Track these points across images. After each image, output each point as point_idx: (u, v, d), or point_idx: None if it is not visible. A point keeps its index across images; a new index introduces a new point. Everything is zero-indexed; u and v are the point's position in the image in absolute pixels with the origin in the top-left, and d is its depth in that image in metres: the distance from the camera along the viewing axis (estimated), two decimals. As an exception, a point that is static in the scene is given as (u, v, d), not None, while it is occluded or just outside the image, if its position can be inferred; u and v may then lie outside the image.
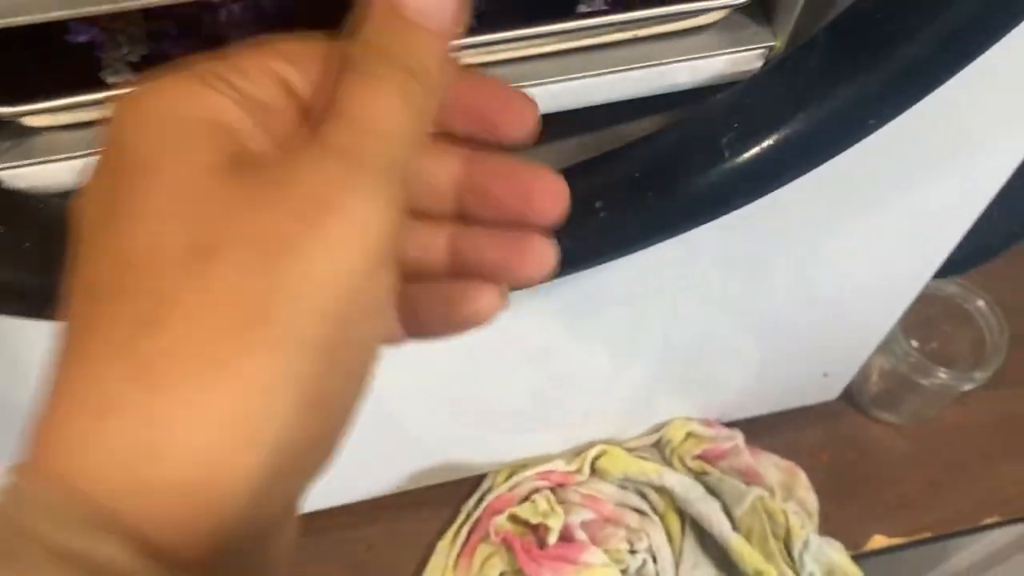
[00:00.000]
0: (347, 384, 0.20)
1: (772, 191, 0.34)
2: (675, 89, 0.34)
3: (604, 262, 0.36)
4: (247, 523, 0.18)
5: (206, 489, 0.17)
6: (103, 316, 0.17)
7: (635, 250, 0.35)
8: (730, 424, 0.66)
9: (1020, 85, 0.40)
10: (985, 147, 0.43)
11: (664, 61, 0.33)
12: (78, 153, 0.31)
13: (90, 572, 0.16)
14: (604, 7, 0.33)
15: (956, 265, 0.59)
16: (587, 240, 0.34)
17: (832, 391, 0.68)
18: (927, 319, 0.67)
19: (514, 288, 0.25)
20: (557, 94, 0.33)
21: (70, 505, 0.16)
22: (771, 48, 0.34)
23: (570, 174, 0.35)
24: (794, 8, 0.33)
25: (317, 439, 0.19)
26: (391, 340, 0.25)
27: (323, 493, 0.63)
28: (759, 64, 0.35)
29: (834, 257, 0.50)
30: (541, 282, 0.24)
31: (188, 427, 0.17)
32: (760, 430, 0.66)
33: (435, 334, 0.25)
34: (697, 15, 0.33)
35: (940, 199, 0.46)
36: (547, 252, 0.24)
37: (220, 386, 0.17)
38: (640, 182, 0.34)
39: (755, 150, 0.32)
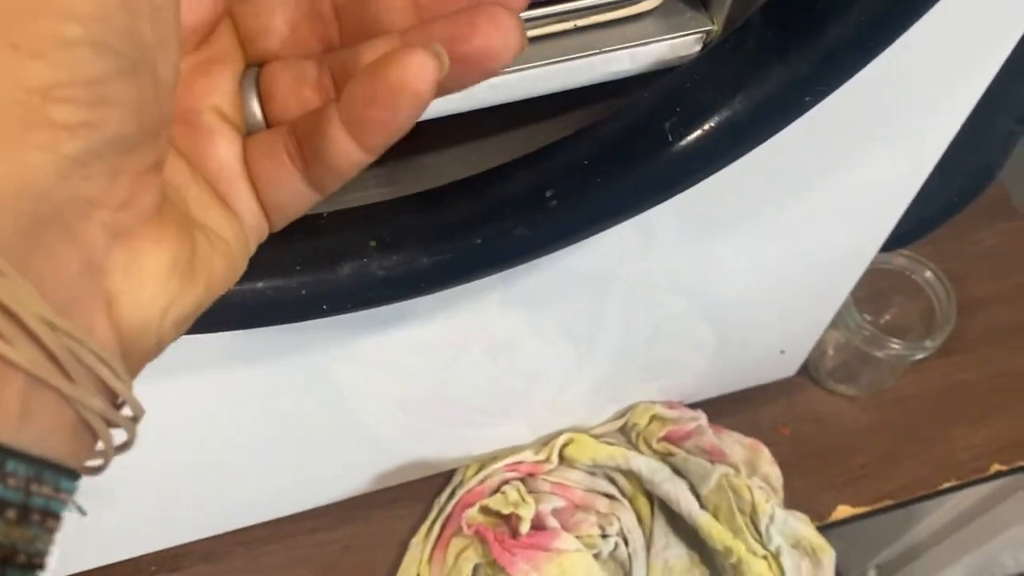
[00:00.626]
0: None
1: (717, 171, 0.35)
2: (618, 76, 0.35)
3: (558, 249, 0.36)
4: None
5: None
6: None
7: (588, 236, 0.36)
8: (693, 405, 0.67)
9: (949, 59, 0.41)
10: (920, 121, 0.45)
11: (605, 49, 0.34)
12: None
13: None
14: (544, -1, 0.33)
15: (902, 238, 0.61)
16: (540, 228, 0.35)
17: (790, 367, 0.69)
18: (878, 292, 0.69)
19: (472, 76, 0.22)
20: (502, 86, 0.34)
21: None
22: (709, 32, 0.35)
23: (520, 164, 0.36)
24: (728, -8, 0.34)
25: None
26: None
27: (295, 497, 0.64)
28: (698, 48, 0.35)
29: (781, 235, 0.51)
30: (505, 62, 0.21)
31: None
32: (723, 409, 0.68)
33: (358, 124, 0.21)
34: (635, 3, 0.34)
35: (880, 174, 0.48)
36: (507, 19, 0.21)
37: None
38: (589, 169, 0.34)
39: (698, 132, 0.33)
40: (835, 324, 0.64)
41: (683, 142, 0.33)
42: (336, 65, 0.24)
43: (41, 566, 0.18)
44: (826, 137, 0.44)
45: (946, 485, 0.69)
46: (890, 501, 0.68)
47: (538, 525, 0.60)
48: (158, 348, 0.22)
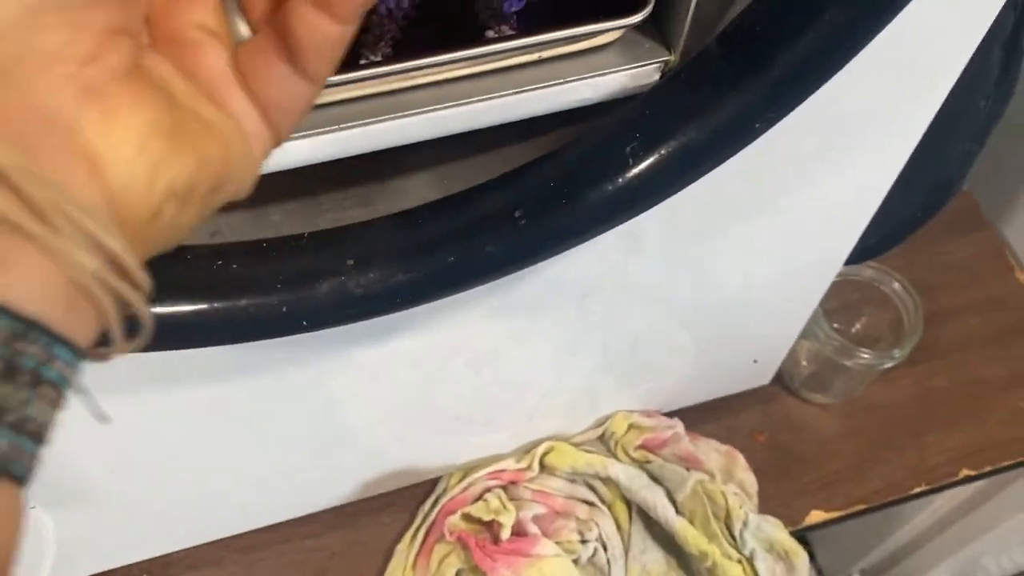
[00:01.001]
0: None
1: (675, 193, 0.37)
2: (580, 104, 0.37)
3: (527, 266, 0.38)
4: None
5: None
6: None
7: (555, 253, 0.38)
8: (670, 414, 0.69)
9: (904, 78, 0.43)
10: (877, 138, 0.47)
11: (569, 79, 0.36)
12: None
13: None
14: (510, 32, 0.35)
15: (869, 250, 0.63)
16: (510, 246, 0.37)
17: (764, 376, 0.71)
18: (848, 303, 0.71)
19: None
20: (473, 114, 0.36)
21: None
22: (667, 62, 0.37)
23: (492, 186, 0.38)
24: (684, 25, 0.36)
25: None
26: None
27: (284, 505, 0.65)
28: (657, 77, 0.38)
29: (748, 248, 0.53)
30: None
31: None
32: (699, 417, 0.70)
33: None
34: (597, 35, 0.36)
35: (839, 190, 0.50)
36: None
37: None
38: (555, 190, 0.36)
39: (656, 156, 0.35)
40: (806, 335, 0.66)
41: (643, 165, 0.35)
42: None
43: (38, 437, 0.18)
44: (788, 154, 0.46)
45: (917, 490, 0.71)
46: (863, 506, 0.70)
47: (519, 531, 0.62)
48: (155, 220, 0.22)
